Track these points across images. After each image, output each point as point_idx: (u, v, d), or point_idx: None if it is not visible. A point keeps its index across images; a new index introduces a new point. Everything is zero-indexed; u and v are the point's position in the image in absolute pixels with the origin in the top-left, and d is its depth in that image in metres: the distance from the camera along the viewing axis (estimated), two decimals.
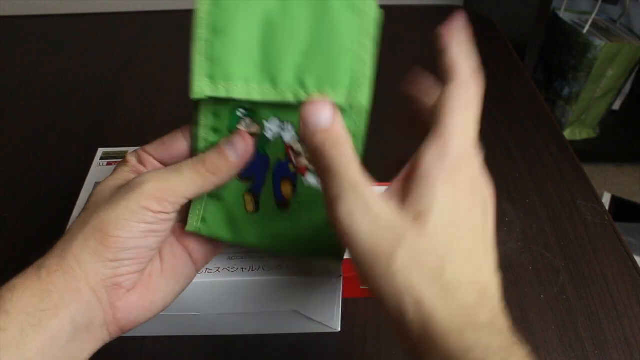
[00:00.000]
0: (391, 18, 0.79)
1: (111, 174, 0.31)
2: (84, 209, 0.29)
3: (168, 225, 0.29)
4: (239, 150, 0.29)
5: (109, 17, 0.82)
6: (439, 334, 0.24)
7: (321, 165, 0.25)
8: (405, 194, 0.25)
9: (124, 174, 0.30)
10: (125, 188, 0.28)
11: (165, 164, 0.31)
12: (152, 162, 0.31)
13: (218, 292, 0.35)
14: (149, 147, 0.31)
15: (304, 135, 0.26)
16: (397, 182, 0.26)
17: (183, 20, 0.80)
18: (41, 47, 0.75)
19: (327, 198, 0.25)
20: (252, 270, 0.34)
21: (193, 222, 0.31)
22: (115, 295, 0.28)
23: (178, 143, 0.31)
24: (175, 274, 0.30)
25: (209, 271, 0.34)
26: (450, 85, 0.26)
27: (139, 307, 0.29)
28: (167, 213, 0.28)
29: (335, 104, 0.26)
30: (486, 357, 0.23)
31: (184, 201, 0.29)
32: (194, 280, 0.32)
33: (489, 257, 0.26)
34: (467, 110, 0.26)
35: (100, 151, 0.43)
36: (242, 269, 0.34)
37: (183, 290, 0.31)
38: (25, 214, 0.50)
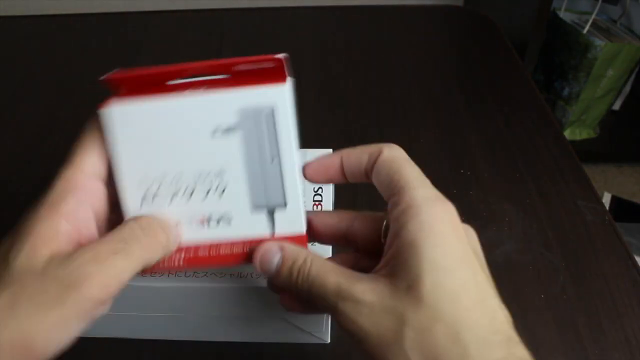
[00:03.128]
0: (391, 18, 0.79)
1: (52, 205, 0.24)
2: (18, 231, 0.24)
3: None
4: (174, 237, 0.27)
5: (109, 17, 0.82)
6: None
7: (310, 299, 0.25)
8: (392, 271, 0.23)
9: (71, 210, 0.24)
10: (54, 287, 0.21)
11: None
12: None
13: (205, 297, 0.34)
14: (90, 165, 0.26)
15: (272, 282, 0.26)
16: (382, 264, 0.25)
17: (183, 20, 0.80)
18: (41, 47, 0.75)
19: (330, 314, 0.25)
20: (241, 277, 0.33)
21: None
22: None
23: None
24: None
25: (197, 276, 0.33)
26: (381, 165, 0.26)
27: None
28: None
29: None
30: None
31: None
32: (181, 285, 0.32)
33: (496, 297, 0.24)
34: (410, 169, 0.25)
35: None
36: (231, 275, 0.33)
37: None
38: (25, 214, 0.50)
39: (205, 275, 0.34)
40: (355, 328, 0.23)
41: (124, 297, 0.34)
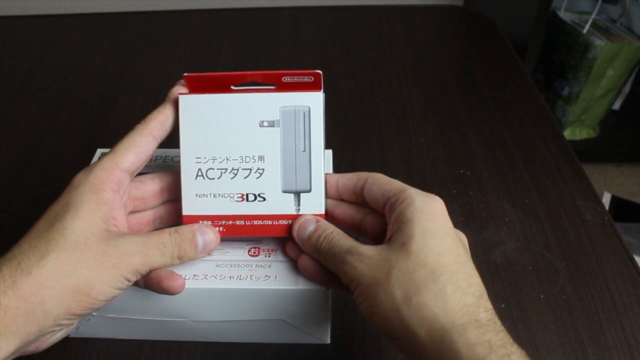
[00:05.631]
0: (391, 18, 0.79)
1: (97, 189, 0.30)
2: (65, 203, 0.29)
3: None
4: (207, 245, 0.33)
5: (109, 17, 0.82)
6: (443, 331, 0.25)
7: (325, 259, 0.32)
8: (390, 238, 0.30)
9: (110, 198, 0.30)
10: (114, 253, 0.28)
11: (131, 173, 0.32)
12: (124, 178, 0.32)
13: (205, 299, 0.34)
14: (127, 162, 0.32)
15: (303, 247, 0.33)
16: (385, 241, 0.31)
17: (183, 20, 0.80)
18: (41, 47, 0.75)
19: (336, 270, 0.31)
20: (240, 279, 0.33)
21: None
22: (55, 332, 0.29)
23: (151, 147, 0.33)
24: None
25: (197, 278, 0.34)
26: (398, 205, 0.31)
27: (67, 331, 0.30)
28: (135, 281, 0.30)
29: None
30: (490, 353, 0.24)
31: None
32: None
33: (475, 271, 0.29)
34: (397, 181, 0.33)
35: (99, 152, 0.43)
36: (230, 277, 0.34)
37: None
38: (25, 214, 0.50)
39: (205, 277, 0.34)
40: (355, 273, 0.29)
41: (126, 297, 0.34)
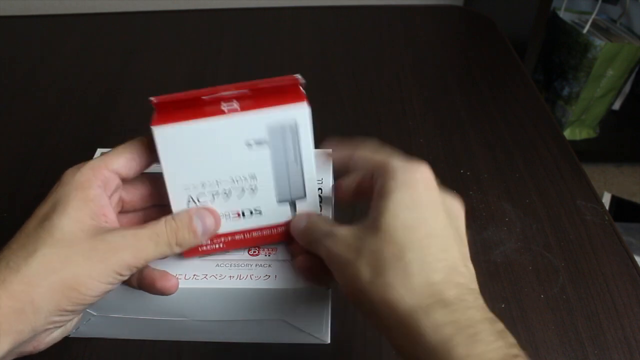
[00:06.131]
0: (391, 18, 0.79)
1: (83, 186, 0.29)
2: (53, 201, 0.29)
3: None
4: (207, 229, 0.32)
5: (109, 17, 0.82)
6: (406, 312, 0.25)
7: (312, 247, 0.31)
8: (367, 215, 0.29)
9: (97, 195, 0.29)
10: (102, 248, 0.28)
11: (124, 178, 0.32)
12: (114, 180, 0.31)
13: (205, 299, 0.34)
14: (117, 164, 0.31)
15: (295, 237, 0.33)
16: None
17: (183, 20, 0.80)
18: (41, 47, 0.75)
19: (320, 255, 0.30)
20: (240, 279, 0.33)
21: None
22: (50, 330, 0.29)
23: (145, 157, 0.32)
24: None
25: (197, 277, 0.34)
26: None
27: (64, 331, 0.30)
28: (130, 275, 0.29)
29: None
30: (456, 333, 0.24)
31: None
32: (182, 286, 0.32)
33: (458, 242, 0.28)
34: (382, 152, 0.31)
35: (99, 152, 0.43)
36: (230, 277, 0.34)
37: None
38: (25, 214, 0.50)
39: (205, 277, 0.34)
40: (330, 254, 0.29)
41: (127, 297, 0.34)
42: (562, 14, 1.29)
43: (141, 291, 0.33)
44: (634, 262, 0.45)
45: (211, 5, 0.86)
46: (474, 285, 0.27)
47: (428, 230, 0.27)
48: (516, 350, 0.24)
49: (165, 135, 0.30)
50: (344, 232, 0.29)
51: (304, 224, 0.33)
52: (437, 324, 0.24)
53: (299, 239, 0.33)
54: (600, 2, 1.25)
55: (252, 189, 0.32)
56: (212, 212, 0.32)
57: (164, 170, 0.31)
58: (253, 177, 0.32)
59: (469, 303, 0.25)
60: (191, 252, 0.34)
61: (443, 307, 0.24)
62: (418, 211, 0.27)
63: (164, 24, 0.80)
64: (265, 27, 0.78)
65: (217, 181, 0.32)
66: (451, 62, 0.72)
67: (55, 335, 0.30)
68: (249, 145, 0.31)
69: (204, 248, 0.34)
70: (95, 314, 0.36)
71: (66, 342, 0.39)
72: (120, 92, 0.66)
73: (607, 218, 0.49)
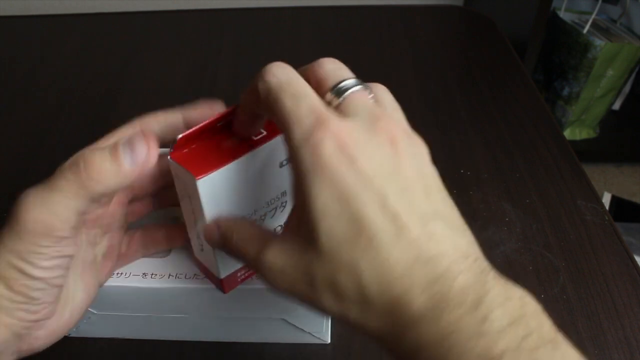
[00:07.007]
0: (391, 18, 0.79)
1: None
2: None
3: (73, 242, 0.26)
4: (137, 157, 0.25)
5: (109, 17, 0.82)
6: (376, 337, 0.22)
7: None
8: (297, 223, 0.23)
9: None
10: (7, 226, 0.25)
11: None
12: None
13: (206, 298, 0.34)
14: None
15: None
16: (291, 211, 0.25)
17: (183, 20, 0.80)
18: (41, 47, 0.75)
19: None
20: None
21: None
22: (35, 327, 0.26)
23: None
24: (86, 275, 0.30)
25: (198, 277, 0.34)
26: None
27: (58, 327, 0.28)
28: (65, 237, 0.25)
29: None
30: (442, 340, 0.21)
31: (77, 218, 0.25)
32: (182, 286, 0.33)
33: (432, 219, 0.22)
34: (283, 102, 0.23)
35: None
36: None
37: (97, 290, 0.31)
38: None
39: (205, 276, 0.34)
40: (279, 291, 0.24)
41: (127, 297, 0.34)
42: (562, 14, 1.29)
43: (141, 289, 0.32)
44: (634, 262, 0.45)
45: (211, 5, 0.86)
46: (454, 266, 0.22)
47: (372, 232, 0.21)
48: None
49: (208, 184, 0.27)
50: (279, 261, 0.23)
51: (217, 237, 0.27)
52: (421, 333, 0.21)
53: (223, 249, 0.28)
54: (600, 2, 1.25)
55: (283, 205, 0.32)
56: (147, 136, 0.26)
57: (206, 216, 0.28)
58: (284, 194, 0.31)
59: (443, 310, 0.21)
60: (231, 284, 0.33)
61: (419, 321, 0.21)
62: (349, 211, 0.21)
63: (164, 24, 0.80)
64: (265, 27, 0.78)
65: (255, 210, 0.31)
66: (451, 62, 0.72)
67: (51, 334, 0.28)
68: (282, 165, 0.30)
69: (241, 276, 0.33)
70: (95, 312, 0.36)
71: (66, 342, 0.39)
72: (120, 92, 0.66)
73: (607, 218, 0.49)
